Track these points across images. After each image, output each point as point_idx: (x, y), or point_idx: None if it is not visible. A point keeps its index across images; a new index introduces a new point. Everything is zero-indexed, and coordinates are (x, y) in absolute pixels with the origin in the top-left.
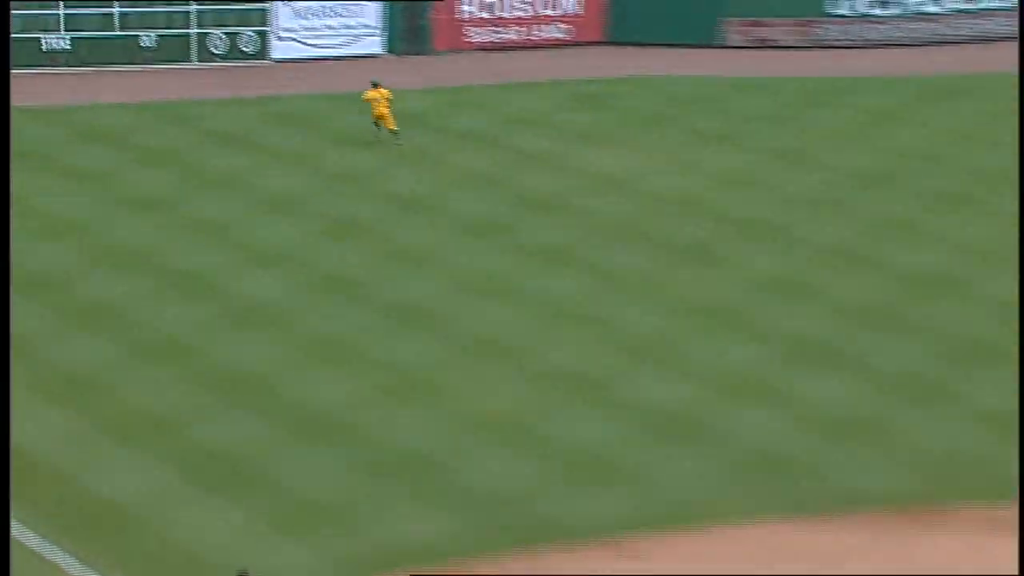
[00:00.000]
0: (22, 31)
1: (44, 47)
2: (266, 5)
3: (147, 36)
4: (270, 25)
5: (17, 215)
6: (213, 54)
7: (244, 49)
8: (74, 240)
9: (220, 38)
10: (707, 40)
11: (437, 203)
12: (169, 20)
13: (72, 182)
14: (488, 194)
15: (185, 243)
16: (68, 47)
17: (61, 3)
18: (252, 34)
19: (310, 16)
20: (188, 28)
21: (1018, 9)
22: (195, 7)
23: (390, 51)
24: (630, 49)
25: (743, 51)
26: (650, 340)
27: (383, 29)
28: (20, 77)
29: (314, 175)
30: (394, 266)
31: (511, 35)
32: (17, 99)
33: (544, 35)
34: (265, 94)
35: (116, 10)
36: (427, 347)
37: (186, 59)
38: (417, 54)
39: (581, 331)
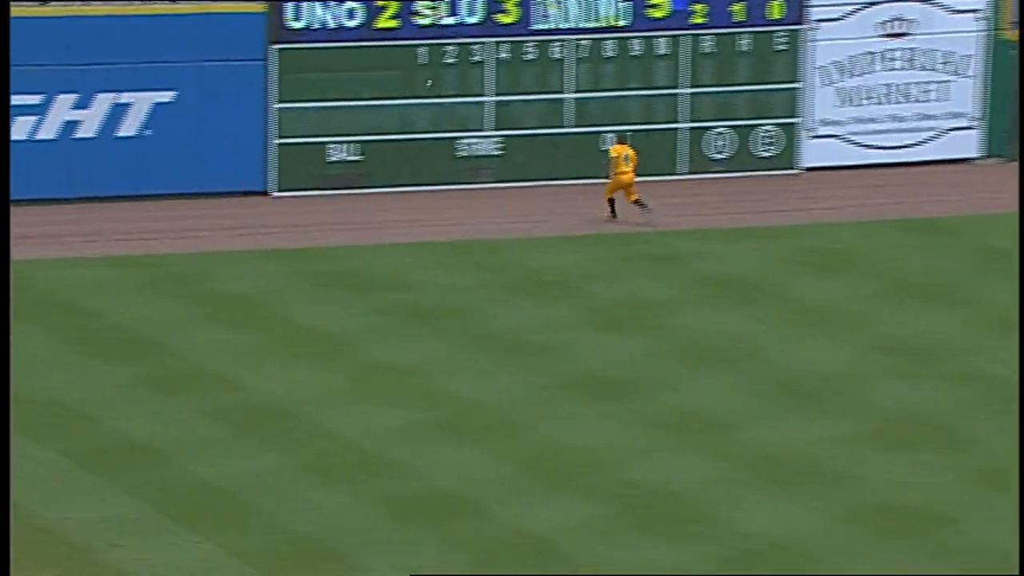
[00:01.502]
0: (431, 130)
1: (461, 152)
2: (797, 85)
3: (611, 136)
4: (801, 115)
5: None
6: (710, 160)
7: (759, 152)
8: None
9: (722, 136)
10: None
11: None
12: (647, 110)
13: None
14: None
15: None
16: (497, 151)
17: (490, 87)
18: (773, 128)
19: (865, 101)
20: (676, 122)
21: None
22: (688, 91)
23: (993, 154)
24: None
25: None
26: None
27: (983, 120)
28: (424, 195)
29: (861, 352)
30: None
31: None
32: (402, 229)
33: None
34: (792, 222)
35: (569, 97)
36: None
37: (670, 168)
38: None
39: None
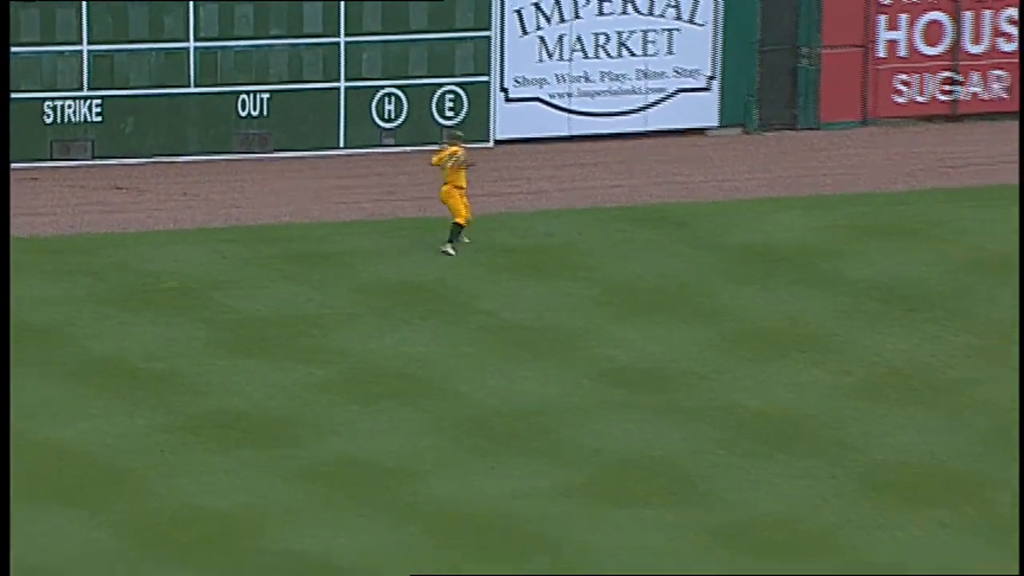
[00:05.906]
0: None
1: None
2: (486, 34)
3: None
4: (491, 72)
5: None
6: (378, 129)
7: (438, 119)
8: None
9: (392, 98)
10: None
11: None
12: (294, 63)
13: None
14: None
15: None
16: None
17: None
18: (455, 89)
19: (573, 54)
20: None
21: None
22: (350, 39)
23: (731, 123)
24: None
25: None
26: None
27: (719, 80)
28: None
29: (576, 383)
30: None
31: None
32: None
33: None
34: (480, 211)
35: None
36: None
37: (330, 140)
38: (790, 128)
39: None
